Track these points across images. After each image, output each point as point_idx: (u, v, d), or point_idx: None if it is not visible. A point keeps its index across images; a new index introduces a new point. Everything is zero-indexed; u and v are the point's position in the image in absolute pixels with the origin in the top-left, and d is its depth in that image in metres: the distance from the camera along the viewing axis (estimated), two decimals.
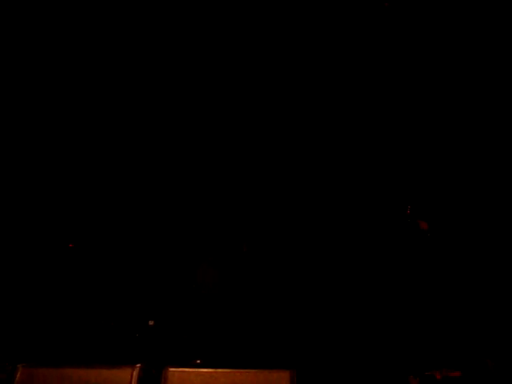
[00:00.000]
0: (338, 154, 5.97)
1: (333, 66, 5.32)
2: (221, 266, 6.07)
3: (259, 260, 6.13)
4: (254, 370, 2.46)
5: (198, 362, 3.62)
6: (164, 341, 4.97)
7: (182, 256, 6.12)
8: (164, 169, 6.16)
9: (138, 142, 6.23)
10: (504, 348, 3.75)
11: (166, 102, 5.84)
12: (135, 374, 2.59)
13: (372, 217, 5.72)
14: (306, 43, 5.09)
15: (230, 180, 6.22)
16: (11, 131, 5.85)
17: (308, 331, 5.53)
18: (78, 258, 4.77)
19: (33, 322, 4.74)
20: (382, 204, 5.71)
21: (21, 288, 5.23)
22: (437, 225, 4.33)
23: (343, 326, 5.58)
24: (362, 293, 5.77)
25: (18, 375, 2.71)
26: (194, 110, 5.94)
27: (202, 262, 6.08)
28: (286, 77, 5.49)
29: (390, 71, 5.22)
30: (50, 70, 5.53)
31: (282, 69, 5.43)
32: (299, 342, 5.35)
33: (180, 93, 5.76)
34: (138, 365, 2.67)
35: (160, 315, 5.51)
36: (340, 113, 5.78)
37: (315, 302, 5.86)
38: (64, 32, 5.10)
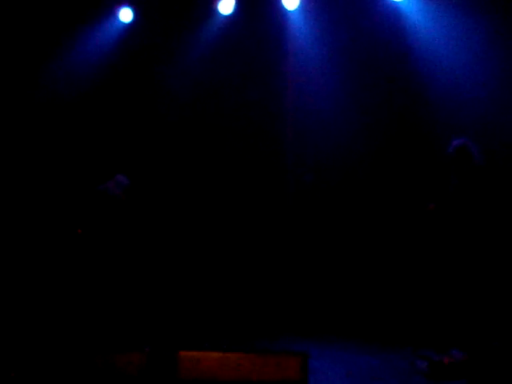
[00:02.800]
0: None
1: None
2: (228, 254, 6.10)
3: (265, 245, 6.16)
4: (264, 354, 2.47)
5: (206, 345, 3.63)
6: (173, 325, 5.00)
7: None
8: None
9: None
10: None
11: None
12: (145, 357, 2.61)
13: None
14: None
15: None
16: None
17: (319, 318, 5.58)
18: (88, 243, 4.78)
19: (40, 307, 4.77)
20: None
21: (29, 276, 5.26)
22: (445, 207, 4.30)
23: (349, 310, 5.63)
24: (371, 275, 5.80)
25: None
26: None
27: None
28: None
29: None
30: None
31: None
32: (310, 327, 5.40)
33: None
34: (147, 349, 2.69)
35: (168, 301, 5.54)
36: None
37: (324, 291, 5.90)
38: None
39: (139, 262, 5.29)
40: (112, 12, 6.13)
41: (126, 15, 6.14)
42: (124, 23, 6.22)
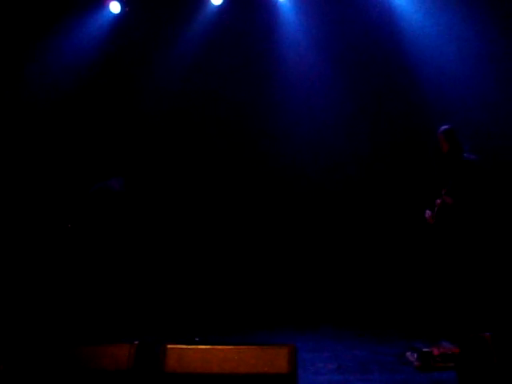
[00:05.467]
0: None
1: None
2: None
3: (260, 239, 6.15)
4: (252, 346, 2.45)
5: (197, 339, 3.61)
6: (162, 319, 4.99)
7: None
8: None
9: None
10: (503, 323, 3.77)
11: None
12: (133, 351, 2.58)
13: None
14: None
15: None
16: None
17: (311, 311, 5.59)
18: (78, 238, 4.76)
19: (31, 303, 4.75)
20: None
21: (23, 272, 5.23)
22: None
23: (342, 302, 5.64)
24: (363, 268, 5.82)
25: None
26: None
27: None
28: None
29: None
30: None
31: None
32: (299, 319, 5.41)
33: None
34: (136, 342, 2.67)
35: (158, 294, 5.53)
36: None
37: (316, 281, 5.91)
38: None
39: (134, 254, 5.27)
40: (102, 3, 6.06)
41: (115, 7, 6.08)
42: (114, 14, 6.16)
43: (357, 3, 5.83)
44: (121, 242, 4.81)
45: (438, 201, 4.31)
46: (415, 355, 3.76)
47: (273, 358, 2.38)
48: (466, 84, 5.36)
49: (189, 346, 2.49)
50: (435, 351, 3.65)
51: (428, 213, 4.46)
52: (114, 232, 4.76)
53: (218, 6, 6.02)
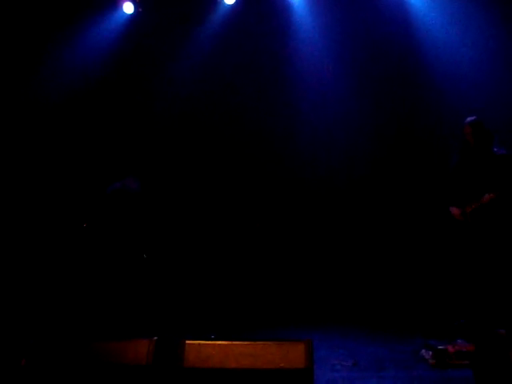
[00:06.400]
0: None
1: None
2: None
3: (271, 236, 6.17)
4: (269, 342, 2.49)
5: (212, 337, 3.65)
6: (180, 315, 5.04)
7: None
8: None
9: None
10: None
11: None
12: (152, 346, 2.63)
13: None
14: None
15: None
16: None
17: (324, 307, 5.60)
18: (95, 237, 4.83)
19: (50, 298, 4.83)
20: None
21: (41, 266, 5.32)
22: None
23: (355, 299, 5.64)
24: (376, 265, 5.81)
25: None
26: None
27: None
28: None
29: None
30: None
31: None
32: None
33: None
34: (155, 338, 2.72)
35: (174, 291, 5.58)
36: None
37: (327, 278, 5.92)
38: None
39: (149, 253, 5.33)
40: (115, 4, 6.13)
41: (129, 7, 6.14)
42: (127, 15, 6.22)
43: (370, 1, 5.82)
44: (136, 240, 4.87)
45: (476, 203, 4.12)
46: (430, 353, 3.77)
47: (290, 354, 2.41)
48: (483, 83, 5.32)
49: (207, 342, 2.54)
50: (450, 349, 3.66)
51: (456, 210, 4.26)
52: (130, 232, 4.82)
53: (231, 5, 6.06)
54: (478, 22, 5.43)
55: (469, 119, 4.25)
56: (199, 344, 2.54)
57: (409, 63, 5.83)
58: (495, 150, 4.17)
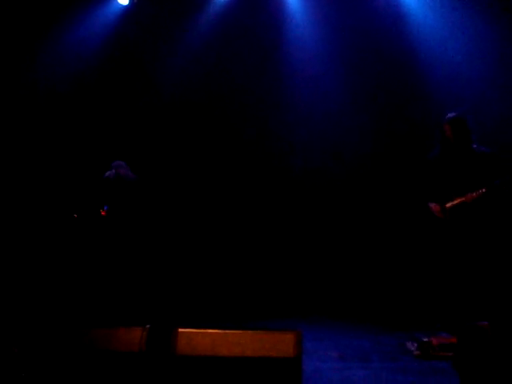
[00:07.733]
0: None
1: None
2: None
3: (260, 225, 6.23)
4: (260, 331, 2.55)
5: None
6: (172, 303, 5.09)
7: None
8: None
9: None
10: (502, 313, 3.85)
11: None
12: (145, 334, 2.69)
13: None
14: None
15: None
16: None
17: (311, 300, 5.69)
18: (92, 226, 4.86)
19: (45, 285, 4.85)
20: None
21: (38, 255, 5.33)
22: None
23: (342, 292, 5.74)
24: (363, 259, 5.90)
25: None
26: None
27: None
28: None
29: None
30: None
31: None
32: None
33: None
34: (148, 326, 2.77)
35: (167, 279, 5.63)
36: None
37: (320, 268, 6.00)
38: None
39: (145, 242, 5.36)
40: None
41: None
42: (122, 6, 6.21)
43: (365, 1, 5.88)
44: (135, 229, 4.90)
45: (458, 199, 4.13)
46: (415, 345, 3.87)
47: (280, 343, 2.48)
48: (476, 81, 5.39)
49: (199, 330, 2.59)
50: (434, 341, 3.75)
51: (435, 206, 4.27)
52: (129, 219, 4.85)
53: None
54: (472, 19, 5.49)
55: (449, 115, 4.23)
56: (191, 332, 2.60)
57: (402, 58, 5.88)
58: (474, 146, 4.17)
